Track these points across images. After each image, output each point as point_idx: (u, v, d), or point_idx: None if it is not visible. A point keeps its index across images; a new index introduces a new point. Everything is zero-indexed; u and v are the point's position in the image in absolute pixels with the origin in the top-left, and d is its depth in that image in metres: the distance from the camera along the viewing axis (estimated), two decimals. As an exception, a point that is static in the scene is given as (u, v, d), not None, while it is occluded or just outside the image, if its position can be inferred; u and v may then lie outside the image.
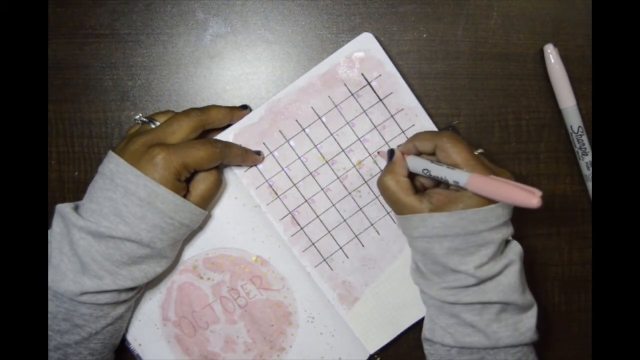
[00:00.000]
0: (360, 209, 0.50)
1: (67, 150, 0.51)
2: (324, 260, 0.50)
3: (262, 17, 0.52)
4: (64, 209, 0.42)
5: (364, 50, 0.49)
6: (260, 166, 0.49)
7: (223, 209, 0.49)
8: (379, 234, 0.50)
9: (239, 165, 0.49)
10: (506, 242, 0.43)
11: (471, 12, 0.52)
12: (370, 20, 0.52)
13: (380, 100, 0.50)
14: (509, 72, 0.52)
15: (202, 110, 0.46)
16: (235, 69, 0.52)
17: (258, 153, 0.49)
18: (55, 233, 0.42)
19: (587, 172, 0.52)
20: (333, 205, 0.50)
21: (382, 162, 0.50)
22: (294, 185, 0.50)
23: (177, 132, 0.43)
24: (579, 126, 0.51)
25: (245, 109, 0.50)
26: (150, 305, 0.49)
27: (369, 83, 0.49)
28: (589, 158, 0.52)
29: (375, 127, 0.50)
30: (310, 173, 0.50)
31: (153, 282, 0.49)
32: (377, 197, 0.50)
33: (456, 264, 0.41)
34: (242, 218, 0.50)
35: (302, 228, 0.50)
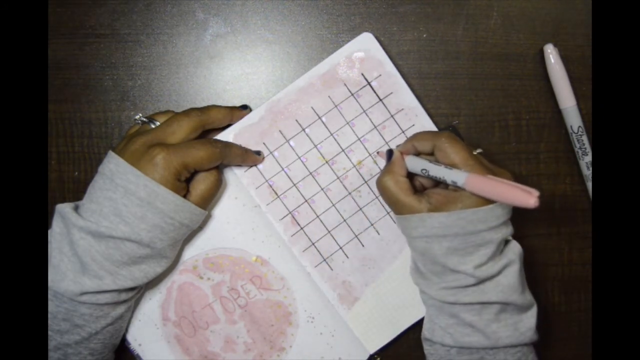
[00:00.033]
0: (360, 209, 0.50)
1: (67, 150, 0.52)
2: (324, 260, 0.50)
3: (262, 17, 0.52)
4: (64, 209, 0.42)
5: (364, 50, 0.49)
6: (260, 166, 0.49)
7: (223, 209, 0.49)
8: (379, 234, 0.50)
9: (239, 165, 0.49)
10: (506, 242, 0.43)
11: (471, 12, 0.52)
12: (370, 20, 0.52)
13: (380, 100, 0.50)
14: (509, 72, 0.52)
15: (202, 110, 0.46)
16: (235, 69, 0.52)
17: (258, 153, 0.49)
18: (55, 233, 0.42)
19: (587, 172, 0.52)
20: (333, 205, 0.50)
21: (382, 162, 0.50)
22: (294, 185, 0.50)
23: (177, 132, 0.43)
24: (579, 126, 0.51)
25: (245, 109, 0.50)
26: (150, 305, 0.49)
27: (369, 83, 0.49)
28: (589, 158, 0.52)
29: (375, 127, 0.50)
30: (310, 173, 0.50)
31: (153, 282, 0.49)
32: (377, 197, 0.50)
33: (455, 264, 0.41)
34: (242, 218, 0.50)
35: (302, 228, 0.50)
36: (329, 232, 0.50)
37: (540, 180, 0.53)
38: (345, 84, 0.49)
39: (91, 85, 0.51)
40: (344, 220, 0.50)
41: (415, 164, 0.43)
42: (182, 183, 0.43)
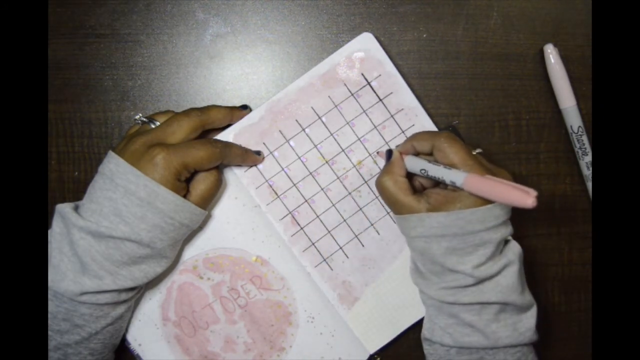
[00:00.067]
0: (360, 209, 0.50)
1: (67, 150, 0.52)
2: (324, 260, 0.50)
3: (262, 17, 0.52)
4: (64, 209, 0.42)
5: (364, 50, 0.49)
6: (260, 166, 0.49)
7: (223, 209, 0.49)
8: (379, 234, 0.50)
9: (239, 165, 0.49)
10: (505, 242, 0.43)
11: (471, 12, 0.52)
12: (370, 20, 0.52)
13: (380, 100, 0.50)
14: (509, 72, 0.52)
15: (202, 110, 0.46)
16: (235, 69, 0.52)
17: (258, 153, 0.49)
18: (55, 233, 0.42)
19: (587, 172, 0.52)
20: (333, 205, 0.50)
21: (382, 162, 0.50)
22: (294, 185, 0.50)
23: (177, 132, 0.43)
24: (579, 126, 0.51)
25: (245, 109, 0.50)
26: (150, 305, 0.49)
27: (369, 83, 0.49)
28: (589, 158, 0.52)
29: (375, 127, 0.50)
30: (310, 173, 0.50)
31: (153, 282, 0.49)
32: (377, 197, 0.50)
33: (454, 264, 0.41)
34: (242, 218, 0.50)
35: (302, 228, 0.50)
36: (329, 232, 0.50)
37: (540, 180, 0.53)
38: (345, 84, 0.49)
39: (91, 85, 0.51)
40: (344, 220, 0.50)
41: (415, 164, 0.43)
42: (182, 183, 0.43)
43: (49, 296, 0.42)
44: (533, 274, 0.53)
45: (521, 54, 0.52)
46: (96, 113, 0.51)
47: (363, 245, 0.50)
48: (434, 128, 0.50)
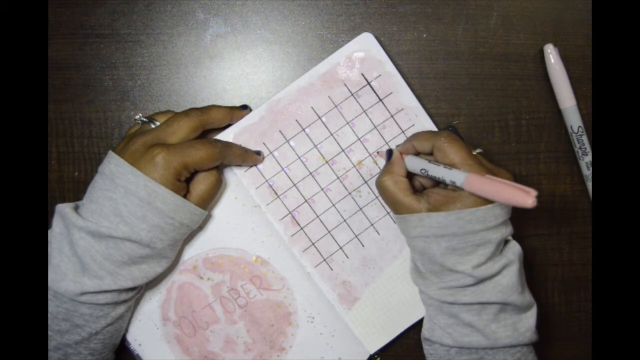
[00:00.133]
0: (360, 209, 0.50)
1: (67, 150, 0.52)
2: (324, 260, 0.50)
3: (262, 17, 0.52)
4: (64, 209, 0.42)
5: (364, 50, 0.49)
6: (260, 166, 0.49)
7: (223, 209, 0.49)
8: (379, 234, 0.50)
9: (239, 165, 0.49)
10: (505, 242, 0.43)
11: (471, 12, 0.52)
12: (370, 20, 0.52)
13: (380, 100, 0.50)
14: (509, 72, 0.52)
15: (202, 110, 0.46)
16: (235, 69, 0.52)
17: (258, 153, 0.49)
18: (55, 233, 0.42)
19: (587, 172, 0.52)
20: (333, 205, 0.50)
21: (382, 162, 0.50)
22: (294, 185, 0.50)
23: (177, 132, 0.43)
24: (579, 126, 0.51)
25: (245, 109, 0.50)
26: (150, 305, 0.49)
27: (369, 83, 0.49)
28: (589, 158, 0.52)
29: (375, 127, 0.50)
30: (310, 173, 0.50)
31: (153, 282, 0.49)
32: (377, 197, 0.50)
33: (454, 264, 0.41)
34: (242, 218, 0.50)
35: (302, 228, 0.50)
36: (329, 232, 0.50)
37: (540, 180, 0.53)
38: (345, 84, 0.49)
39: (91, 85, 0.51)
40: (344, 220, 0.50)
41: (415, 164, 0.43)
42: (182, 183, 0.43)
43: (49, 296, 0.42)
44: (533, 274, 0.53)
45: (521, 54, 0.52)
46: (96, 113, 0.51)
47: (363, 246, 0.50)
48: (434, 128, 0.50)
